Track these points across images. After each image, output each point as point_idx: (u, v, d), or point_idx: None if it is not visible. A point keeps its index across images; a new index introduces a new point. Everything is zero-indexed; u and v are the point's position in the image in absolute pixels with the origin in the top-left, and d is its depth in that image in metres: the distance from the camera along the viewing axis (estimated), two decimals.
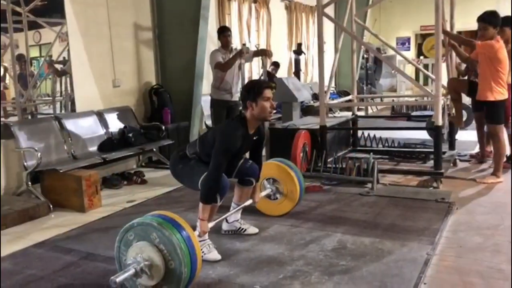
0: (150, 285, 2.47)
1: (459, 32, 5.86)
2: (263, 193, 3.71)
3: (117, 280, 2.34)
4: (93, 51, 5.48)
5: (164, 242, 2.41)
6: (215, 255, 3.03)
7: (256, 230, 3.50)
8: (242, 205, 3.41)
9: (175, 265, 2.41)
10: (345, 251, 3.10)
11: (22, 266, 3.06)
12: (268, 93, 3.03)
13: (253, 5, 8.95)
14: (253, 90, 3.03)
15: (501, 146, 4.69)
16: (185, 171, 3.16)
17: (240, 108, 3.42)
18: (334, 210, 4.00)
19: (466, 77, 5.56)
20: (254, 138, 3.19)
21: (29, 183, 4.43)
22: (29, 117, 5.43)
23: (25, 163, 4.47)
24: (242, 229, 3.48)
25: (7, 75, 5.24)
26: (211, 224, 3.03)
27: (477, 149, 5.71)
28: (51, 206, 4.25)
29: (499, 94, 4.58)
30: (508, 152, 5.11)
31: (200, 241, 3.06)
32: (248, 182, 3.36)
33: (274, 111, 3.19)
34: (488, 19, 4.58)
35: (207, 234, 3.08)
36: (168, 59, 6.35)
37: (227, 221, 3.49)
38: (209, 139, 3.08)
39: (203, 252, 3.01)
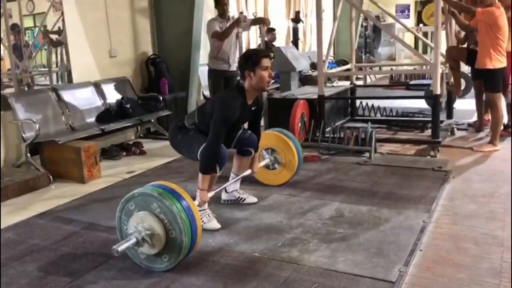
0: (152, 254, 2.52)
1: None
2: (262, 163, 3.74)
3: (119, 249, 2.39)
4: (88, 20, 5.39)
5: (165, 212, 2.45)
6: (214, 224, 3.08)
7: (255, 199, 3.55)
8: (241, 175, 3.44)
9: (175, 234, 2.45)
10: (342, 219, 3.15)
11: (25, 236, 3.10)
12: (266, 62, 3.01)
13: None
14: (251, 59, 3.01)
15: (498, 114, 4.70)
16: (184, 142, 3.17)
17: (238, 78, 3.41)
18: (332, 179, 4.04)
19: (465, 45, 5.52)
20: (253, 108, 3.19)
21: (28, 154, 4.44)
22: (26, 88, 5.40)
23: (23, 135, 4.47)
24: (241, 198, 3.52)
25: (2, 46, 5.18)
26: (210, 194, 3.07)
27: (475, 117, 5.72)
28: (51, 177, 4.28)
29: (498, 62, 4.56)
30: (505, 121, 5.12)
31: (200, 210, 3.10)
32: (247, 152, 3.37)
33: (272, 80, 3.18)
34: None
35: (206, 203, 3.12)
36: (165, 29, 6.26)
37: (226, 190, 3.53)
38: (207, 109, 3.08)
39: (203, 221, 3.05)
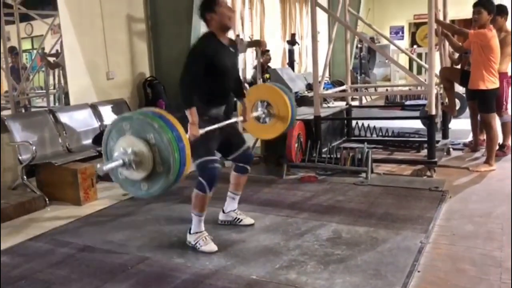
0: (131, 179, 2.50)
1: (452, 21, 5.87)
2: (254, 114, 3.69)
3: (104, 168, 2.39)
4: (86, 43, 5.44)
5: (160, 146, 2.41)
6: (211, 246, 3.05)
7: (252, 221, 3.53)
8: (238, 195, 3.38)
9: (163, 170, 2.42)
10: (340, 241, 3.13)
11: (19, 260, 3.07)
12: None
13: None
14: (208, 1, 3.04)
15: (493, 134, 4.73)
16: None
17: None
18: (329, 200, 4.03)
19: (459, 66, 5.58)
20: (232, 50, 3.19)
21: (24, 176, 4.42)
22: (23, 110, 5.42)
23: (20, 157, 4.46)
24: (238, 219, 3.51)
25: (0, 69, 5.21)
26: (201, 131, 2.96)
27: (470, 137, 5.75)
28: (47, 199, 4.26)
29: (491, 83, 4.61)
30: (500, 141, 5.15)
31: (196, 233, 3.10)
32: (244, 170, 3.39)
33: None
34: (484, 3, 4.61)
35: (203, 225, 3.11)
36: (162, 51, 6.33)
37: (223, 211, 3.53)
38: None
39: (199, 244, 3.04)
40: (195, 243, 3.07)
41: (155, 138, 2.42)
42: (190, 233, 3.14)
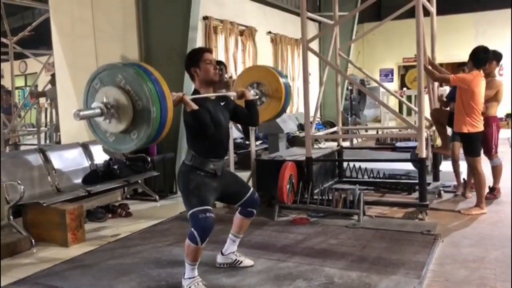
0: (120, 131, 2.44)
1: (440, 65, 5.98)
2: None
3: (81, 113, 2.39)
4: (79, 82, 5.44)
5: (130, 82, 2.39)
6: None
7: (251, 262, 3.47)
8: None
9: (143, 105, 2.37)
10: (332, 286, 3.07)
11: None
12: (208, 56, 3.08)
13: (239, 38, 9.09)
14: (194, 57, 3.08)
15: (481, 177, 4.74)
16: (184, 193, 3.05)
17: None
18: (321, 243, 3.98)
19: (448, 109, 5.66)
20: (222, 103, 3.18)
21: (11, 217, 4.32)
22: (13, 148, 5.37)
23: (7, 197, 4.38)
24: (238, 261, 3.45)
25: None
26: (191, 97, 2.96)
27: (461, 180, 5.75)
28: (33, 241, 4.15)
29: (473, 127, 4.64)
30: (490, 184, 5.17)
31: (189, 278, 3.02)
32: (250, 214, 3.36)
33: (218, 72, 3.16)
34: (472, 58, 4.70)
35: (196, 271, 3.03)
36: None
37: (222, 253, 3.47)
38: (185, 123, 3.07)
39: None
40: None
41: (123, 78, 2.43)
42: (184, 278, 3.07)
